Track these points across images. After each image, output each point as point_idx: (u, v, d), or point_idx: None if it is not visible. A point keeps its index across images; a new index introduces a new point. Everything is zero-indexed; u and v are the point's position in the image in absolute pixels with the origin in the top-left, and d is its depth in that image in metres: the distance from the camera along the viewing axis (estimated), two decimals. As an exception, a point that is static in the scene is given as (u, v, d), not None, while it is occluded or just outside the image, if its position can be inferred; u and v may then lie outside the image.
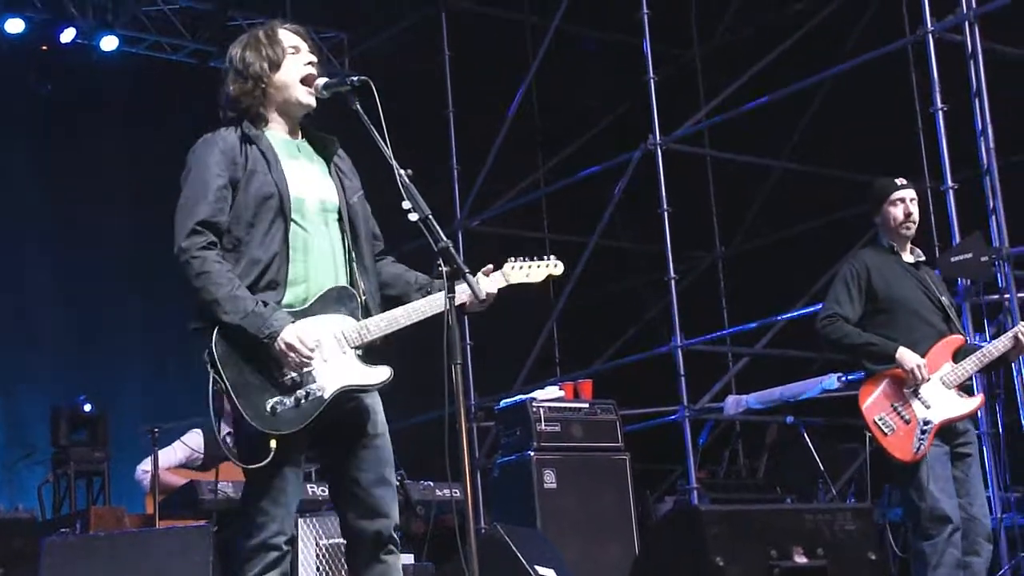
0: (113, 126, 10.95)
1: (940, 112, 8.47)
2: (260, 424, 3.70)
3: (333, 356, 3.80)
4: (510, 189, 11.86)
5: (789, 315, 10.36)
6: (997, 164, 8.24)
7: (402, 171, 3.74)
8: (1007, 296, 8.03)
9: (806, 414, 9.61)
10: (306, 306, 3.83)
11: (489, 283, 4.02)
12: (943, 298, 5.63)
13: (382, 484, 3.87)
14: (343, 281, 3.90)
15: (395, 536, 3.88)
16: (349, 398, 3.84)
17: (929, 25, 8.63)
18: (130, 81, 11.11)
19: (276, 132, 4.01)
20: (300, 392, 3.74)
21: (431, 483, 6.61)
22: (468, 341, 10.83)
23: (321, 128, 4.13)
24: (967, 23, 8.44)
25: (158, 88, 11.21)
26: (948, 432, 5.39)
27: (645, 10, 10.32)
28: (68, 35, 10.67)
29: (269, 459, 3.68)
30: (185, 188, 3.85)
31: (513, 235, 11.81)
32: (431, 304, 3.89)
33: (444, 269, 3.67)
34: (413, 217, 3.71)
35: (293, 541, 3.87)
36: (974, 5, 8.46)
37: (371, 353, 3.90)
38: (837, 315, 5.53)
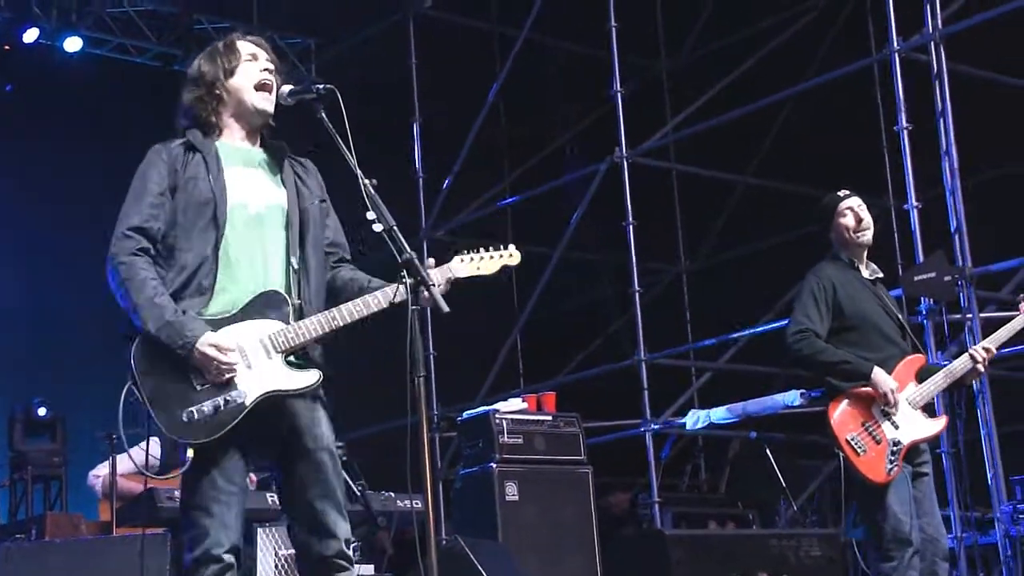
0: (76, 127, 10.86)
1: (904, 131, 8.51)
2: (174, 434, 3.66)
3: (258, 362, 3.73)
4: (476, 199, 11.83)
5: (752, 330, 10.38)
6: (962, 184, 8.28)
7: (367, 181, 3.70)
8: (969, 316, 8.06)
9: (768, 430, 9.63)
10: (233, 312, 3.77)
11: (435, 275, 3.84)
12: (899, 315, 5.60)
13: (325, 499, 3.78)
14: (279, 287, 3.83)
15: (346, 552, 3.79)
16: (281, 410, 3.76)
17: (895, 44, 8.68)
18: (93, 83, 11.02)
19: (229, 140, 3.97)
20: (219, 400, 3.67)
21: (392, 494, 6.55)
22: (431, 351, 10.79)
23: (283, 135, 4.09)
24: (932, 43, 8.49)
25: (121, 90, 11.12)
26: (910, 452, 5.37)
27: (613, 23, 10.34)
28: (31, 35, 10.58)
29: (187, 467, 3.64)
30: (126, 197, 3.84)
31: (478, 245, 11.73)
32: (367, 304, 3.79)
33: (408, 281, 3.63)
34: (377, 228, 3.66)
35: (238, 553, 3.73)
36: (940, 25, 8.51)
37: (305, 358, 3.81)
38: (809, 330, 5.38)
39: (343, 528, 3.80)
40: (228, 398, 3.68)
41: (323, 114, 3.81)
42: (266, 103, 3.94)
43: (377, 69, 11.83)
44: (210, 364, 3.66)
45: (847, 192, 5.66)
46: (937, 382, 5.42)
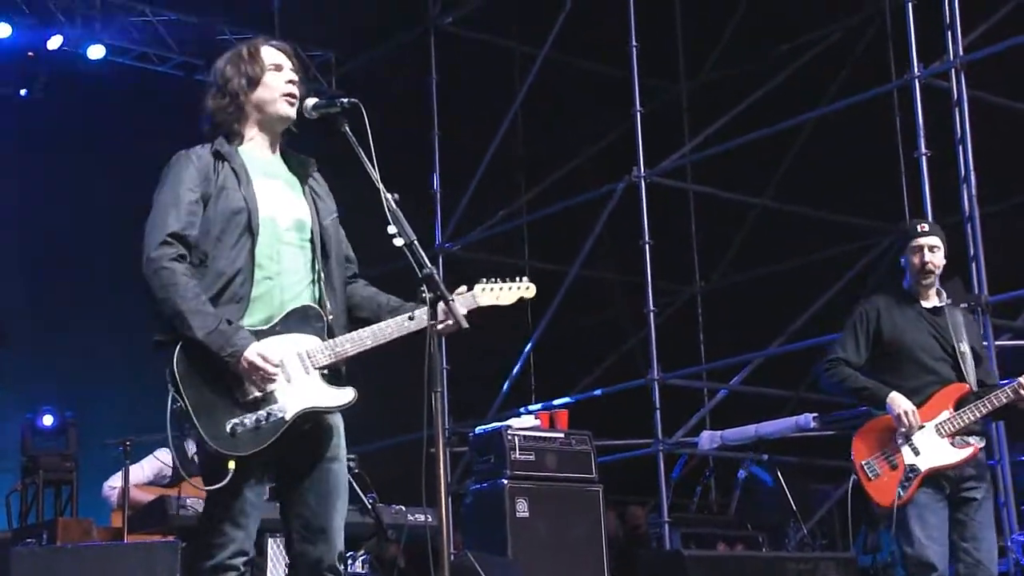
0: (97, 134, 10.90)
1: (924, 157, 8.51)
2: (219, 445, 3.65)
3: (297, 376, 3.76)
4: (492, 215, 11.85)
5: (766, 352, 10.37)
6: (980, 211, 8.27)
7: (389, 195, 3.71)
8: (984, 344, 8.02)
9: (780, 452, 9.61)
10: (271, 325, 3.78)
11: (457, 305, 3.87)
12: (960, 345, 5.49)
13: (330, 509, 3.81)
14: (310, 301, 3.86)
15: (336, 566, 3.80)
16: (309, 419, 3.78)
17: (916, 71, 8.68)
18: (116, 91, 11.07)
19: (252, 149, 3.96)
20: (261, 413, 3.69)
21: (403, 507, 6.56)
22: (445, 366, 10.78)
23: (298, 147, 4.10)
24: (953, 70, 8.48)
25: (143, 98, 11.17)
26: (945, 478, 5.33)
27: (634, 43, 10.36)
28: (55, 42, 10.63)
29: (227, 480, 3.63)
30: (157, 202, 3.81)
31: (493, 262, 11.78)
32: (399, 325, 3.83)
33: (428, 296, 3.64)
34: (398, 242, 3.67)
35: (252, 562, 3.78)
36: (961, 52, 8.51)
37: (338, 374, 3.85)
38: (839, 359, 5.51)
39: (340, 541, 3.82)
40: (270, 412, 3.70)
41: (347, 128, 3.81)
42: (290, 109, 3.93)
43: (397, 82, 11.87)
44: (255, 374, 3.67)
45: (924, 228, 5.57)
46: (973, 411, 5.37)
